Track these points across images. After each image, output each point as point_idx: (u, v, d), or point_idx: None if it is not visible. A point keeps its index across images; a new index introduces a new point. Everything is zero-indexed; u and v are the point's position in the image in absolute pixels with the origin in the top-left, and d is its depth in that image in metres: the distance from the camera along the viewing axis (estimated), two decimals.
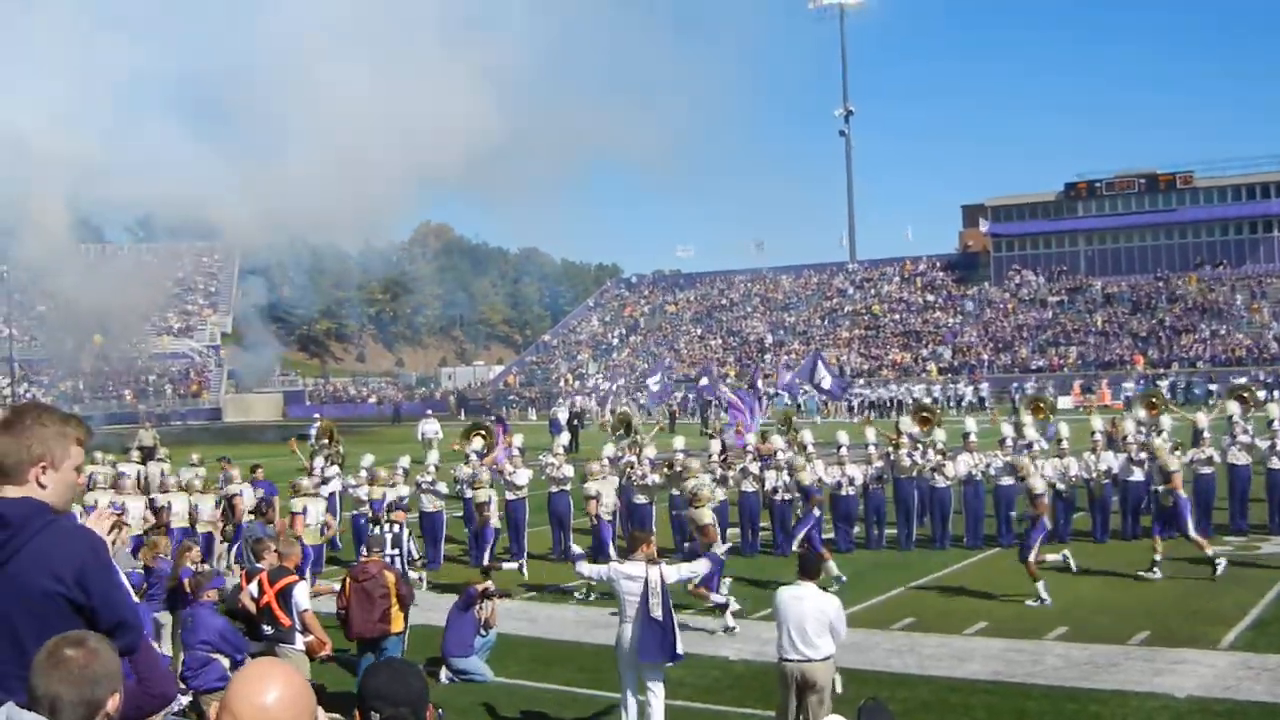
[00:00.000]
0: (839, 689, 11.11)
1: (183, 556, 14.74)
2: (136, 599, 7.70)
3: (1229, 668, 14.55)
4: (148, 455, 35.65)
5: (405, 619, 14.27)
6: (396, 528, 18.76)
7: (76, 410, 65.19)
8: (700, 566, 13.70)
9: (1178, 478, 20.94)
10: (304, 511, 21.63)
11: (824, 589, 11.77)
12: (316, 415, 48.06)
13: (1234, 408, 27.32)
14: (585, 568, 13.65)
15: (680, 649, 12.18)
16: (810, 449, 25.59)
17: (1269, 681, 13.84)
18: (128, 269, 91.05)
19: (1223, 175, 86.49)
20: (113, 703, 3.74)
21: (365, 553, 14.84)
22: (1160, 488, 21.21)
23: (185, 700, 11.19)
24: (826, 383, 44.88)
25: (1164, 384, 59.27)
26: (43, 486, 4.76)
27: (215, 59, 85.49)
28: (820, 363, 45.61)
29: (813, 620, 11.07)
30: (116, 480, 27.84)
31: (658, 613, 12.14)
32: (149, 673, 5.79)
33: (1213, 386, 61.79)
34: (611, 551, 20.18)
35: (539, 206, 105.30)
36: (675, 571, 12.91)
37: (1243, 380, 37.58)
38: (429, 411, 50.56)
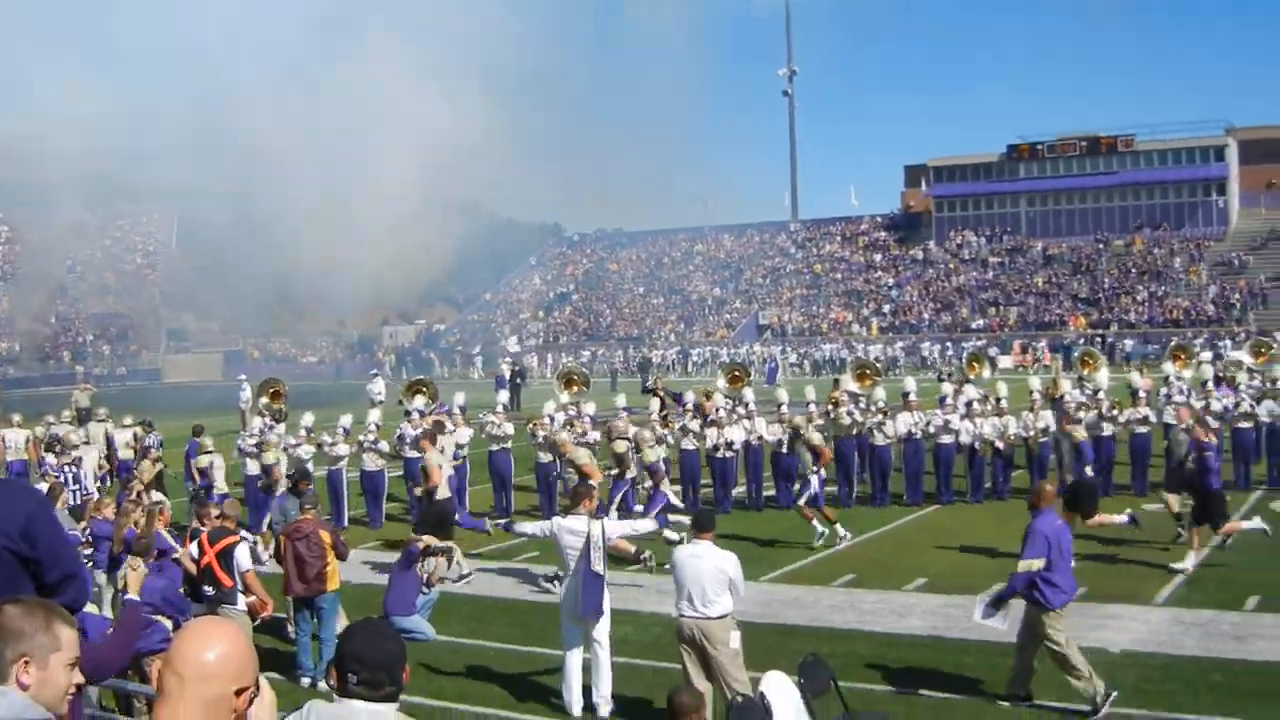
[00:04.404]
0: (735, 645, 11.09)
1: (126, 519, 14.61)
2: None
3: (1162, 623, 14.79)
4: (84, 417, 35.29)
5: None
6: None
7: (10, 371, 64.79)
8: (644, 525, 13.74)
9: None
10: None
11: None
12: (242, 376, 47.70)
13: (1169, 368, 27.69)
14: (525, 525, 13.67)
15: (605, 604, 12.29)
16: (751, 407, 25.66)
17: (1200, 636, 14.07)
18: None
19: (1163, 139, 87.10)
20: (20, 667, 3.66)
21: (299, 511, 14.77)
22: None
23: None
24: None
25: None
26: None
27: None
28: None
29: (711, 579, 11.00)
30: (51, 443, 27.62)
31: (599, 566, 12.21)
32: (119, 633, 5.77)
33: (1150, 347, 62.44)
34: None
35: (485, 166, 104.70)
36: (618, 527, 12.94)
37: (1175, 341, 38.00)
38: (374, 371, 50.30)
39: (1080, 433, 22.82)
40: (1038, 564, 11.68)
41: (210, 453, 23.54)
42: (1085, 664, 11.65)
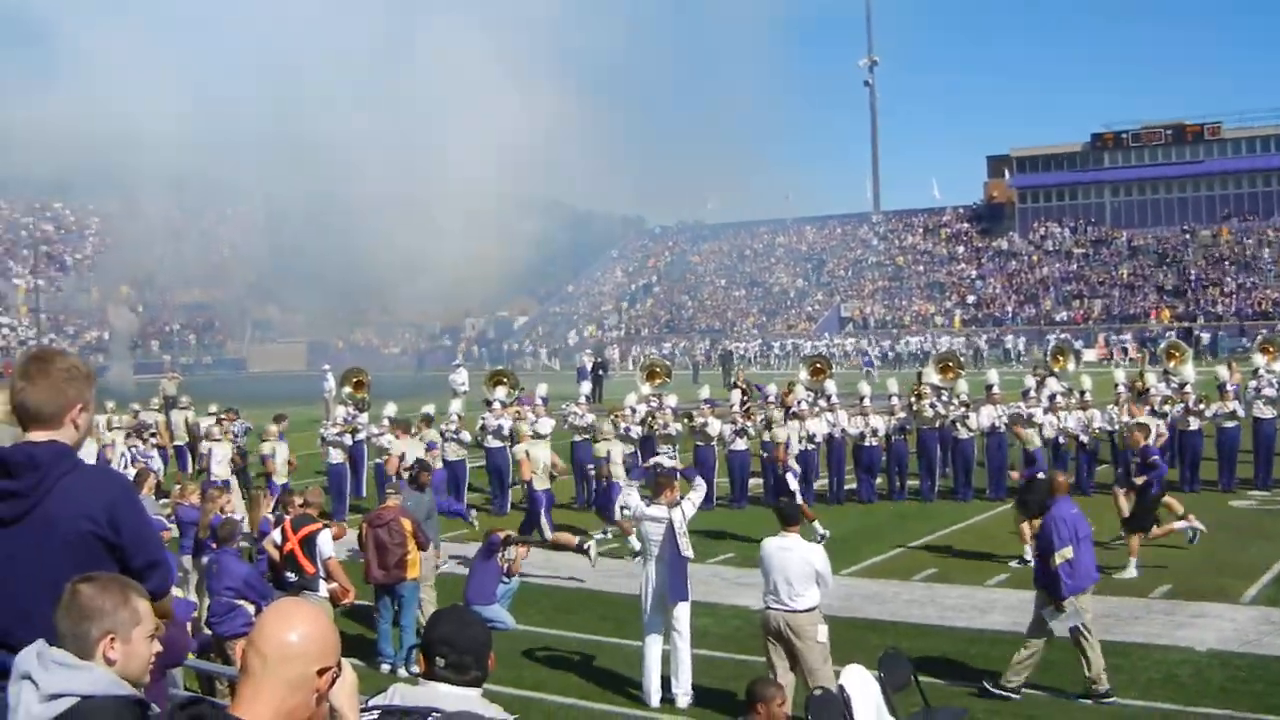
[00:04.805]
0: (822, 639, 11.03)
1: (212, 504, 14.81)
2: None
3: (1250, 622, 14.55)
4: (170, 405, 35.81)
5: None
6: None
7: (100, 360, 65.69)
8: (698, 494, 13.39)
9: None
10: (273, 454, 22.93)
11: None
12: (326, 366, 48.03)
13: (1259, 360, 27.21)
14: (632, 494, 13.38)
15: (689, 590, 12.34)
16: (834, 399, 25.59)
17: None
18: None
19: (1251, 127, 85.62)
20: (106, 644, 3.73)
21: (382, 499, 14.94)
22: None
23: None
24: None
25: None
26: (77, 428, 4.79)
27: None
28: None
29: (797, 571, 10.98)
30: (139, 429, 28.00)
31: (688, 551, 12.24)
32: (176, 624, 5.84)
33: (1242, 340, 61.50)
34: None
35: (565, 159, 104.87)
36: (691, 507, 12.79)
37: (1263, 334, 37.36)
38: (457, 362, 50.59)
39: (1034, 440, 22.57)
40: (1069, 551, 11.95)
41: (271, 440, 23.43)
42: (1029, 669, 12.06)
